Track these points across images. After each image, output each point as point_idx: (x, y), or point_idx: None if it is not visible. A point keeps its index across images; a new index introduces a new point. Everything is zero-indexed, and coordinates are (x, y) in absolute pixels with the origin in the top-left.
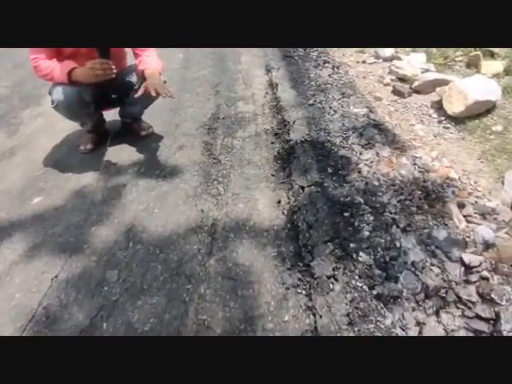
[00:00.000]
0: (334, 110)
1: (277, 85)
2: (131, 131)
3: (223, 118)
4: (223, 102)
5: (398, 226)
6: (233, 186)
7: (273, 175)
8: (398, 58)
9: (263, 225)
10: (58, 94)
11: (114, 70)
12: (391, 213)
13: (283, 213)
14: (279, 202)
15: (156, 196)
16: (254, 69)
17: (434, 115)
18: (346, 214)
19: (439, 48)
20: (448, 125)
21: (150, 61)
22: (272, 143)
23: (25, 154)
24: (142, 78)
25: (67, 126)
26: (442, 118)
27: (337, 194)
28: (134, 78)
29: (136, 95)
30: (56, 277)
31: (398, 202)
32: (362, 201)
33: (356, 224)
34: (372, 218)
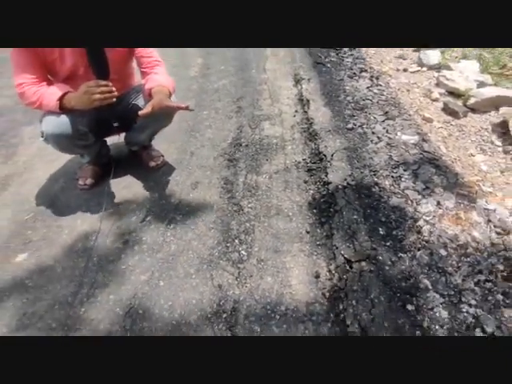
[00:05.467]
0: (378, 137)
1: (308, 101)
2: (139, 161)
3: (246, 146)
4: (246, 122)
5: (483, 331)
6: (258, 247)
7: (308, 232)
8: (447, 67)
9: (298, 312)
10: (48, 124)
11: (115, 93)
12: (471, 305)
13: (324, 295)
14: (318, 275)
15: (162, 260)
16: (280, 79)
17: (498, 142)
18: (409, 308)
19: (492, 51)
20: None
21: (159, 78)
22: (305, 182)
23: (16, 189)
24: (149, 97)
25: None
26: (509, 148)
27: (395, 274)
28: (140, 101)
29: (140, 113)
30: None
31: (476, 284)
32: (428, 284)
33: (425, 326)
34: (446, 314)
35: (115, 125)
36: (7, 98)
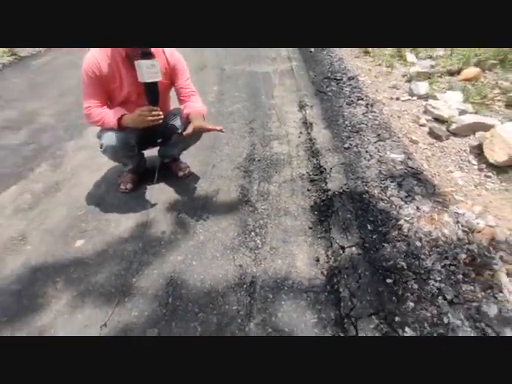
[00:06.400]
0: (371, 155)
1: (311, 124)
2: (169, 170)
3: (258, 160)
4: (258, 141)
5: (444, 298)
6: (270, 238)
7: (310, 228)
8: (434, 97)
9: (302, 285)
10: (107, 139)
11: (162, 116)
12: (436, 281)
13: (322, 273)
14: (318, 259)
15: (194, 246)
16: (287, 104)
17: (474, 162)
18: (389, 281)
19: (476, 84)
20: (489, 173)
21: (195, 105)
22: (308, 190)
23: (67, 191)
24: (187, 120)
25: (108, 161)
26: (483, 166)
27: (378, 257)
28: (177, 122)
29: (185, 133)
30: (101, 329)
31: (442, 267)
32: (404, 265)
33: (400, 293)
34: (416, 286)
35: (159, 140)
36: (49, 117)
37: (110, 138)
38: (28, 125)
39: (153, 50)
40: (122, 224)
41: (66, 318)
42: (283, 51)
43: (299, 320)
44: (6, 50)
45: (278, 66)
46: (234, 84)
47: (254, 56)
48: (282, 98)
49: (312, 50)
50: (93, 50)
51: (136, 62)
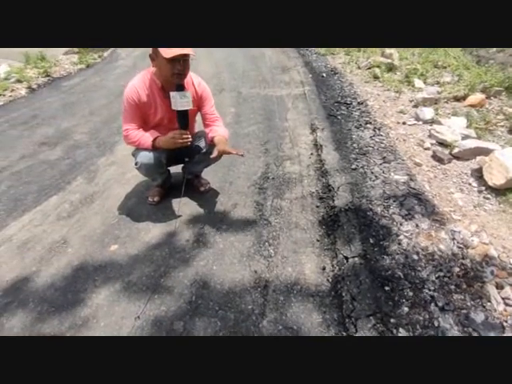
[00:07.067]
0: (376, 176)
1: (321, 146)
2: (192, 186)
3: (272, 178)
4: (272, 161)
5: (436, 305)
6: (282, 248)
7: (318, 240)
8: (439, 122)
9: (309, 290)
10: (142, 157)
11: (190, 139)
12: (430, 289)
13: (327, 280)
14: (324, 268)
15: (214, 253)
16: (299, 127)
17: (474, 184)
18: (386, 288)
19: (480, 110)
20: (488, 195)
21: (219, 130)
22: (317, 207)
23: (101, 202)
24: (211, 143)
25: (136, 176)
26: (483, 188)
27: (378, 267)
28: (202, 143)
29: (212, 157)
30: (135, 320)
31: (436, 278)
32: (401, 275)
33: (396, 299)
34: (411, 293)
35: (186, 160)
36: (82, 134)
37: (145, 157)
38: (63, 141)
39: (185, 82)
40: (151, 232)
41: (105, 310)
42: (296, 76)
43: (306, 319)
44: (40, 71)
45: (291, 90)
46: (249, 106)
47: (268, 80)
48: (294, 121)
49: (324, 74)
50: (134, 80)
51: (171, 93)
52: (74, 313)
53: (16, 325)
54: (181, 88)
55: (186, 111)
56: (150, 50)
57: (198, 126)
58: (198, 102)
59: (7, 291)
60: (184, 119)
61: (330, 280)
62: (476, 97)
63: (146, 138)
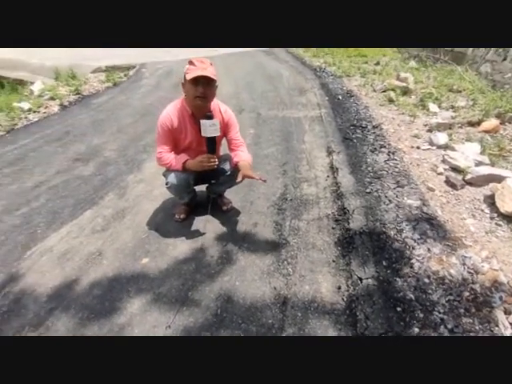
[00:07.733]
0: (389, 200)
1: (337, 169)
2: (215, 204)
3: (290, 200)
4: (290, 182)
5: (445, 327)
6: (299, 267)
7: (334, 261)
8: (452, 148)
9: (325, 308)
10: (172, 178)
11: (217, 162)
12: (440, 312)
13: (343, 299)
14: (339, 287)
15: (237, 270)
16: (316, 150)
17: (487, 210)
18: (398, 309)
19: (494, 136)
20: (500, 222)
21: (243, 155)
22: (333, 228)
23: (132, 217)
24: (235, 167)
25: (163, 193)
26: (495, 215)
27: (391, 289)
28: (226, 166)
29: (237, 181)
30: (166, 329)
31: (446, 301)
32: (413, 297)
33: (407, 319)
34: (422, 315)
35: (213, 181)
36: (111, 151)
37: (175, 178)
38: (95, 158)
39: (212, 110)
40: (178, 247)
41: (138, 319)
42: (313, 98)
43: (322, 335)
44: (72, 88)
45: (308, 112)
46: (268, 128)
47: (286, 102)
48: (311, 144)
49: (340, 97)
50: (168, 107)
51: (201, 121)
52: (112, 320)
53: (60, 329)
54: (209, 117)
55: (214, 137)
56: (172, 69)
57: (223, 149)
58: (224, 128)
59: (51, 297)
60: (212, 145)
61: (345, 299)
62: (490, 122)
63: (177, 160)
